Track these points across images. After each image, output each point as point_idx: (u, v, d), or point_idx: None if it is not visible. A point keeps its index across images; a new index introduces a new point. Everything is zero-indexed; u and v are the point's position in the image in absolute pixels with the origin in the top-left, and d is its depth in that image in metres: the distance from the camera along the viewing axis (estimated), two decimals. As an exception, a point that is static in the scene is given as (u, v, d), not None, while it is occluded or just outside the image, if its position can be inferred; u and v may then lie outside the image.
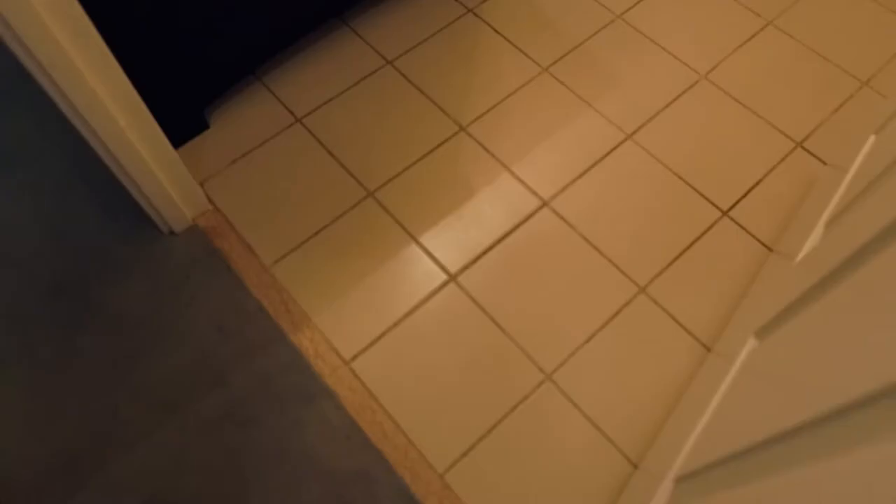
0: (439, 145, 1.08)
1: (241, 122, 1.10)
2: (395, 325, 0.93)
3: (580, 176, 1.05)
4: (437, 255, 0.99)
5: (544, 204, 1.03)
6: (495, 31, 1.20)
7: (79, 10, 0.66)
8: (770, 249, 0.99)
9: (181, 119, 1.05)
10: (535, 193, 1.03)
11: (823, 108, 1.12)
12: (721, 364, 0.78)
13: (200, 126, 1.08)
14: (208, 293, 0.96)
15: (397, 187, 1.04)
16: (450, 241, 1.00)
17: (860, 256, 0.53)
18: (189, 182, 0.96)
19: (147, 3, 0.86)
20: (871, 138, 0.82)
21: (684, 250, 0.99)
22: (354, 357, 0.91)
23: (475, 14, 1.22)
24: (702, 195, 1.04)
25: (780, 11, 1.22)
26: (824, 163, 1.07)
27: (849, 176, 0.84)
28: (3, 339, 0.93)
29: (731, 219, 1.02)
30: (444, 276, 0.97)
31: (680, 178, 1.05)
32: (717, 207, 1.03)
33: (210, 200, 1.03)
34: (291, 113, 1.11)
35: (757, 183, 1.05)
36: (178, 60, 0.95)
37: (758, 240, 1.00)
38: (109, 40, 0.77)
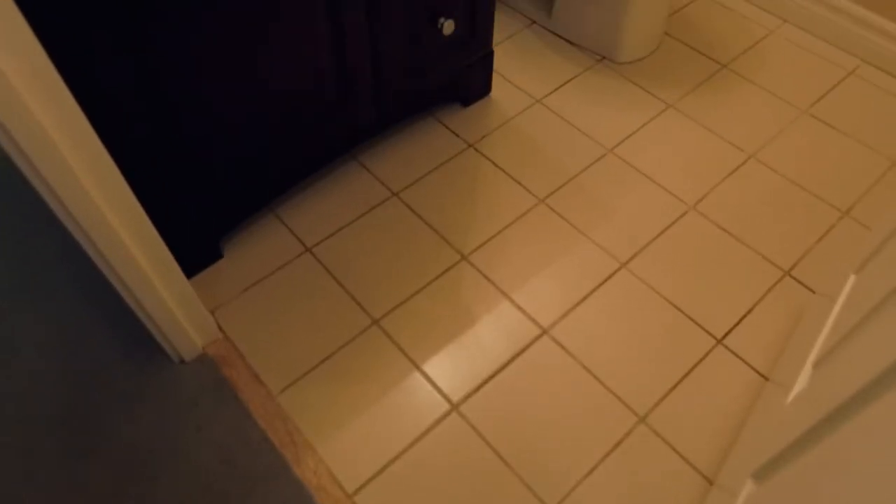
0: (442, 273, 1.13)
1: (253, 251, 1.16)
2: (399, 455, 0.94)
3: (578, 304, 1.09)
4: (439, 383, 1.01)
5: (544, 332, 1.06)
6: (494, 164, 1.28)
7: (95, 141, 0.72)
8: (765, 378, 1.02)
9: (196, 250, 1.11)
10: (534, 322, 1.07)
11: (808, 237, 1.18)
12: (723, 501, 0.78)
13: (215, 256, 1.14)
14: (214, 423, 0.97)
15: (402, 315, 1.08)
16: (452, 369, 1.02)
17: (844, 411, 0.55)
18: (201, 312, 1.00)
19: (168, 141, 0.93)
20: (852, 278, 0.86)
21: (682, 378, 1.02)
22: (358, 490, 0.91)
23: (475, 149, 1.31)
24: (696, 323, 1.07)
25: (761, 146, 1.31)
26: (813, 291, 1.11)
27: (835, 310, 0.88)
28: (5, 466, 0.94)
29: (726, 347, 1.05)
30: (446, 406, 0.99)
31: (674, 306, 1.09)
32: (712, 335, 1.06)
33: (220, 328, 1.07)
34: (302, 242, 1.17)
35: (749, 311, 1.09)
36: (199, 194, 1.02)
37: (753, 368, 1.03)
38: (130, 175, 0.84)
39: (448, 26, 1.13)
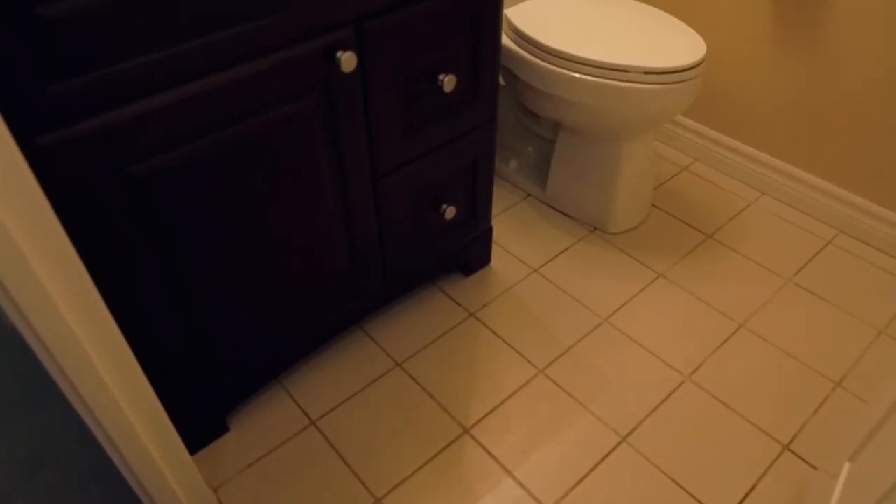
0: (444, 448, 1.14)
1: (258, 423, 1.18)
2: None
3: (580, 482, 1.09)
4: (442, 570, 0.99)
5: (546, 512, 1.05)
6: (495, 333, 1.33)
7: (103, 310, 0.77)
8: (774, 564, 1.00)
9: (202, 426, 1.13)
10: (537, 501, 1.07)
11: (803, 409, 1.20)
12: None
13: (221, 431, 1.16)
14: None
15: (403, 493, 1.08)
16: (455, 553, 1.01)
17: None
18: (204, 492, 1.01)
19: (178, 323, 0.98)
20: (846, 466, 0.88)
21: (689, 564, 1.00)
22: None
23: (476, 318, 1.36)
24: (698, 502, 1.07)
25: (749, 315, 1.37)
26: (814, 467, 1.11)
27: (835, 496, 0.88)
28: None
29: (731, 528, 1.04)
30: None
31: (676, 482, 1.09)
32: (716, 516, 1.05)
33: (222, 508, 1.07)
34: (306, 415, 1.19)
35: (751, 489, 1.09)
36: (207, 372, 1.06)
37: (760, 552, 1.01)
38: (137, 352, 0.88)
39: (450, 211, 1.23)
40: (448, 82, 1.04)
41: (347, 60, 0.88)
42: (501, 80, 1.55)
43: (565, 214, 1.61)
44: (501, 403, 1.21)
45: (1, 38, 0.62)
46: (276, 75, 0.84)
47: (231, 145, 0.85)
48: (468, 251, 1.40)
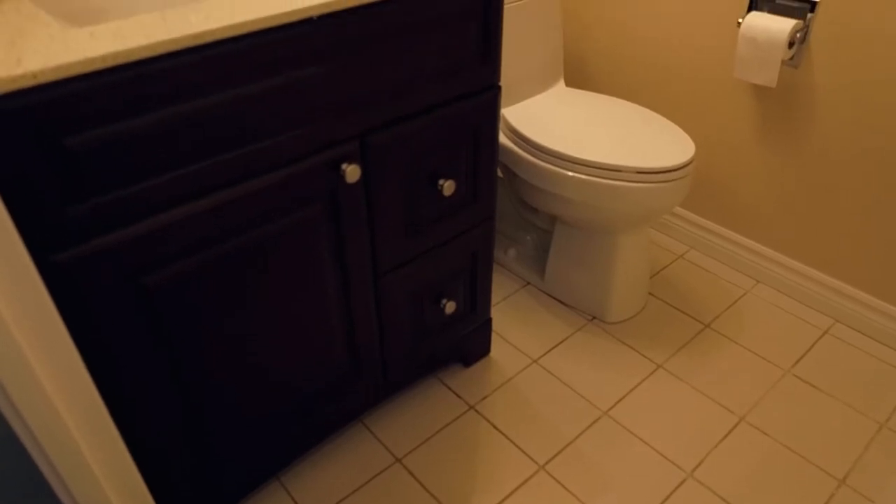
0: (444, 550, 1.12)
1: (255, 524, 1.16)
2: None
3: (582, 587, 1.07)
4: None
5: None
6: (494, 427, 1.33)
7: (106, 419, 0.78)
8: None
9: (200, 526, 1.11)
10: None
11: (808, 508, 1.18)
12: None
13: (217, 531, 1.14)
14: None
15: None
16: None
17: None
18: None
19: (178, 425, 0.99)
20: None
21: None
22: None
23: (476, 410, 1.36)
24: None
25: (750, 408, 1.37)
26: (821, 572, 1.09)
27: None
28: None
29: None
30: None
31: (681, 588, 1.06)
32: None
33: None
34: (304, 514, 1.18)
35: None
36: (204, 472, 1.05)
37: None
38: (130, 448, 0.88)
39: (450, 306, 1.25)
40: (448, 187, 1.08)
41: (352, 172, 0.93)
42: (500, 173, 1.61)
43: (564, 303, 1.64)
44: (502, 502, 1.19)
45: (28, 166, 0.66)
46: (282, 188, 0.89)
47: (237, 254, 0.89)
48: (468, 342, 1.42)
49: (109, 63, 0.67)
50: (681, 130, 1.44)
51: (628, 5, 1.70)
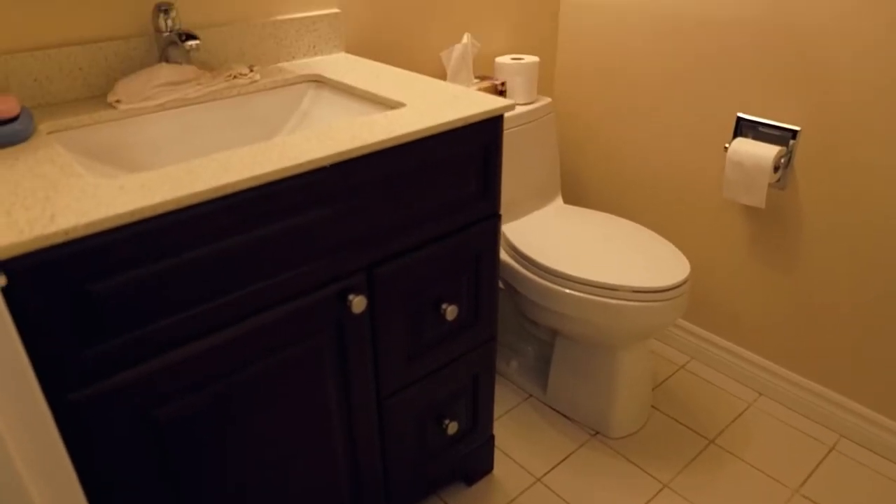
0: None
1: None
2: None
3: None
4: None
5: None
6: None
7: None
8: None
9: None
10: None
11: None
12: None
13: None
14: None
15: None
16: None
17: None
18: None
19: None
20: None
21: None
22: None
23: (479, 534, 1.33)
24: None
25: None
26: None
27: None
28: None
29: None
30: None
31: None
32: None
33: None
34: None
35: None
36: None
37: None
38: None
39: (452, 426, 1.25)
40: (450, 311, 1.12)
41: (358, 303, 0.96)
42: (501, 284, 1.65)
43: (567, 417, 1.63)
44: None
45: (52, 312, 0.70)
46: (290, 321, 0.92)
47: (244, 384, 0.91)
48: (470, 459, 1.41)
49: (136, 217, 0.72)
50: (676, 249, 1.49)
51: (619, 127, 1.80)
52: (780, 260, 1.57)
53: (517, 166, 1.64)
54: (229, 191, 0.78)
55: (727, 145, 1.52)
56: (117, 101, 1.04)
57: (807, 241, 1.51)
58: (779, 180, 1.50)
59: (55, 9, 1.03)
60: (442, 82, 1.16)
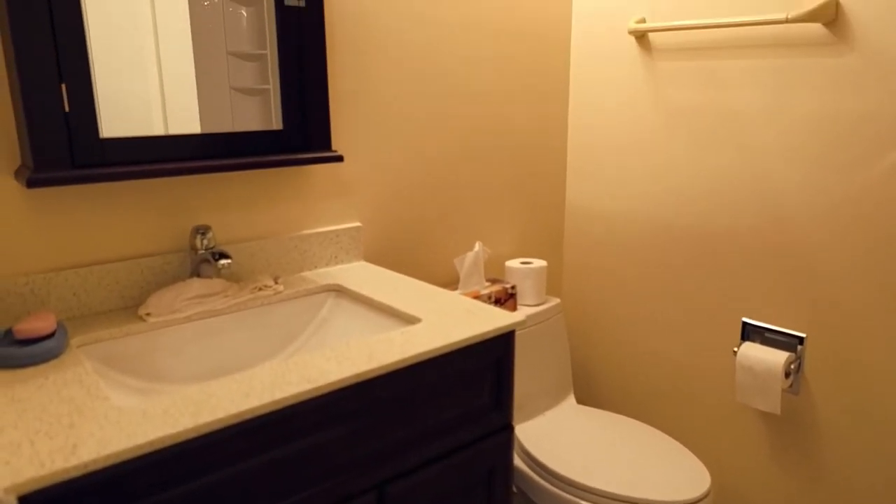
0: None
1: None
2: None
3: None
4: None
5: None
6: None
7: None
8: None
9: None
10: None
11: None
12: None
13: None
14: None
15: None
16: None
17: None
18: None
19: None
20: None
21: None
22: None
23: None
24: None
25: None
26: None
27: None
28: None
29: None
30: None
31: None
32: None
33: None
34: None
35: None
36: None
37: None
38: None
39: None
40: (462, 532, 1.07)
41: (368, 529, 0.93)
42: (514, 488, 1.58)
43: None
44: None
45: (57, 550, 0.68)
46: (298, 547, 0.89)
47: None
48: None
49: (157, 447, 0.73)
50: (694, 457, 1.45)
51: (627, 327, 1.84)
52: (802, 467, 1.52)
53: (529, 366, 1.65)
54: (249, 416, 0.80)
55: (736, 349, 1.55)
56: (147, 315, 1.09)
57: (828, 447, 1.47)
58: (791, 386, 1.50)
59: (110, 231, 1.13)
60: (456, 295, 1.22)
